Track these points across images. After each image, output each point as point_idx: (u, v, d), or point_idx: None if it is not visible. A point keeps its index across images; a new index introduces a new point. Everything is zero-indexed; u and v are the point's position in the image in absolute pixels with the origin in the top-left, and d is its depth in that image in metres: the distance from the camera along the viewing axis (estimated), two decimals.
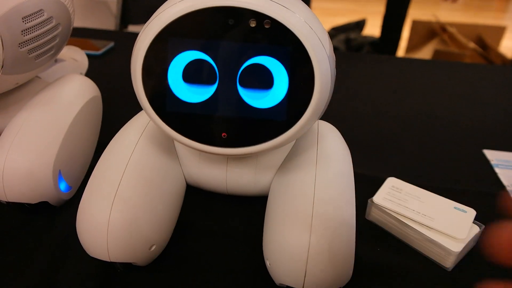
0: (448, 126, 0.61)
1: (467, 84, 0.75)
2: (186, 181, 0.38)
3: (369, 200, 0.41)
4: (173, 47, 0.27)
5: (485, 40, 1.70)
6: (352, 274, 0.31)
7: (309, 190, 0.31)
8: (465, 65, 0.87)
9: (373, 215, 0.41)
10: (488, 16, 3.09)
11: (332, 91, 0.30)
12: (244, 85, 0.28)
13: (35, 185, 0.37)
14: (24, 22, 0.35)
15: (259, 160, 0.36)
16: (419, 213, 0.39)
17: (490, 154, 0.53)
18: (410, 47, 1.85)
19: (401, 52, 1.84)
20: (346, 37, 1.77)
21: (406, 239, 0.39)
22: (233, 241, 0.39)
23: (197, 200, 0.42)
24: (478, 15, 3.06)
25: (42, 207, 0.39)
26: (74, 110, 0.41)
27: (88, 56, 0.64)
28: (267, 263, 0.32)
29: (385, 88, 0.72)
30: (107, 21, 1.26)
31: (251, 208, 0.42)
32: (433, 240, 0.36)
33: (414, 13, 2.00)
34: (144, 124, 0.36)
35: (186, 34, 0.27)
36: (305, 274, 0.29)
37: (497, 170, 0.50)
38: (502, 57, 1.54)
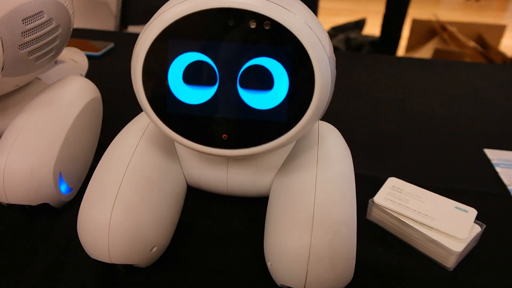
0: (449, 125, 0.61)
1: (467, 83, 0.75)
2: (186, 182, 0.38)
3: (370, 200, 0.41)
4: (174, 49, 0.27)
5: (485, 39, 1.70)
6: (353, 274, 0.31)
7: (310, 191, 0.31)
8: (466, 64, 0.87)
9: (374, 215, 0.41)
10: (488, 15, 3.09)
11: (332, 92, 0.30)
12: (245, 86, 0.28)
13: (36, 187, 0.37)
14: (24, 23, 0.35)
15: (260, 161, 0.36)
16: (420, 213, 0.39)
17: (491, 154, 0.53)
18: (410, 47, 1.85)
19: (401, 51, 1.84)
20: (346, 37, 1.77)
21: (407, 239, 0.39)
22: (234, 242, 0.39)
23: (197, 201, 0.42)
24: (478, 14, 3.06)
25: (42, 208, 0.39)
26: (74, 112, 0.41)
27: (88, 57, 0.64)
28: (268, 264, 0.32)
29: (386, 88, 0.72)
30: (107, 22, 1.26)
31: (252, 209, 0.42)
32: (434, 240, 0.36)
33: (414, 12, 2.00)
34: (145, 126, 0.36)
35: (187, 35, 0.27)
36: (306, 275, 0.29)
37: (498, 169, 0.50)
38: (502, 56, 1.54)
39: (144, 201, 0.32)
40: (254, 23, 0.26)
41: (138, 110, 0.33)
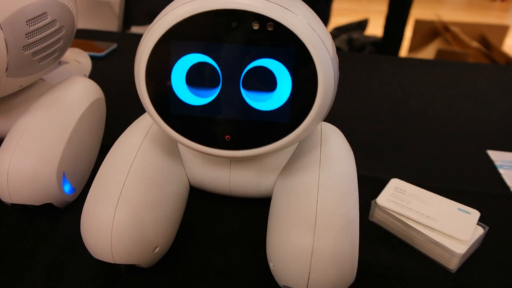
0: (452, 126, 0.61)
1: (470, 84, 0.75)
2: (189, 183, 0.38)
3: (372, 202, 0.41)
4: (177, 50, 0.28)
5: (489, 39, 1.69)
6: (356, 275, 0.31)
7: (313, 192, 0.31)
8: (469, 64, 0.87)
9: (376, 216, 0.41)
10: (491, 15, 3.08)
11: (335, 93, 0.30)
12: (247, 87, 0.28)
13: (40, 187, 0.37)
14: (28, 25, 0.36)
15: (263, 162, 0.36)
16: (423, 214, 0.39)
17: (494, 155, 0.53)
18: (413, 47, 1.84)
19: (403, 52, 1.84)
20: (348, 37, 1.76)
21: (410, 240, 0.39)
22: (235, 242, 0.39)
23: (200, 202, 0.42)
24: (481, 14, 3.05)
25: (46, 208, 0.39)
26: (78, 112, 0.41)
27: (91, 57, 0.64)
28: (271, 265, 0.32)
29: (388, 89, 0.72)
30: (110, 23, 1.26)
31: (253, 210, 0.42)
32: (437, 241, 0.36)
33: (417, 13, 2.00)
34: (148, 126, 0.36)
35: (190, 37, 0.27)
36: (309, 276, 0.29)
37: (501, 171, 0.50)
38: (505, 57, 1.54)
39: (147, 201, 0.32)
40: (257, 25, 0.26)
41: (141, 110, 0.33)
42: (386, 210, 0.40)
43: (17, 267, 0.35)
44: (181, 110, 0.29)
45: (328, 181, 0.32)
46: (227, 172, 0.36)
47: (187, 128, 0.29)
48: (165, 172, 0.35)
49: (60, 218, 0.40)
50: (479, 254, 0.38)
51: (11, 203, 0.38)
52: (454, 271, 0.36)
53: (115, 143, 0.35)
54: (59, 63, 0.53)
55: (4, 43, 0.34)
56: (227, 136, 0.29)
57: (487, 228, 0.38)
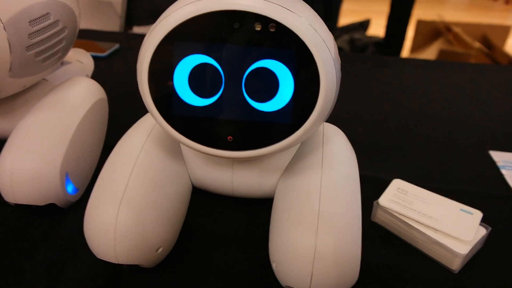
0: (454, 127, 0.61)
1: (472, 84, 0.75)
2: (192, 183, 0.39)
3: (374, 202, 0.41)
4: (179, 51, 0.28)
5: (491, 39, 1.69)
6: (358, 276, 0.31)
7: (315, 192, 0.31)
8: (471, 65, 0.87)
9: (378, 217, 0.41)
10: (493, 16, 3.07)
11: (337, 94, 0.30)
12: (250, 88, 0.28)
13: (43, 187, 0.37)
14: (31, 25, 0.36)
15: (265, 162, 0.36)
16: (425, 215, 0.39)
17: (496, 156, 0.53)
18: (415, 47, 1.84)
19: (405, 52, 1.84)
20: (350, 38, 1.76)
21: (412, 241, 0.39)
22: (238, 243, 0.39)
23: (202, 202, 0.42)
24: (483, 15, 3.05)
25: (49, 209, 0.39)
26: (80, 113, 0.42)
27: (94, 58, 0.64)
28: (273, 265, 0.32)
29: (390, 89, 0.72)
30: (112, 23, 1.26)
31: (257, 211, 0.42)
32: (439, 242, 0.36)
33: (419, 13, 2.00)
34: (150, 127, 0.36)
35: (192, 37, 0.27)
36: (312, 276, 0.29)
37: (503, 171, 0.50)
38: (508, 57, 1.53)
39: (150, 201, 0.32)
40: (259, 25, 0.26)
41: (144, 110, 0.33)
42: (388, 210, 0.40)
43: (20, 267, 0.35)
44: (184, 111, 0.29)
45: (330, 181, 0.32)
46: (229, 172, 0.36)
47: (190, 128, 0.30)
48: (168, 172, 0.35)
49: (63, 218, 0.40)
50: (481, 254, 0.38)
51: (14, 203, 0.38)
52: (456, 272, 0.36)
53: (117, 144, 0.36)
54: (62, 64, 0.53)
55: (7, 43, 0.34)
56: (229, 137, 0.29)
57: (490, 228, 0.38)
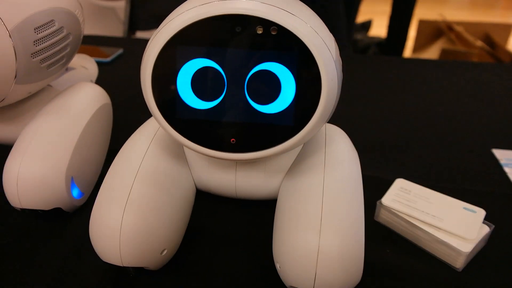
0: (456, 125, 0.61)
1: (475, 83, 0.75)
2: (196, 186, 0.39)
3: (377, 202, 0.41)
4: (182, 55, 0.28)
5: (493, 38, 1.69)
6: (362, 275, 0.31)
7: (318, 193, 0.31)
8: (473, 64, 0.87)
9: (382, 216, 0.41)
10: (496, 14, 3.07)
11: (339, 95, 0.30)
12: (252, 90, 0.29)
13: (49, 192, 0.38)
14: (36, 32, 0.36)
15: (268, 164, 0.37)
16: (428, 214, 0.39)
17: (499, 154, 0.53)
18: (417, 47, 1.84)
19: (408, 52, 1.83)
20: (352, 39, 1.76)
21: (416, 240, 0.39)
22: (243, 244, 0.39)
23: (206, 204, 0.43)
24: (485, 13, 3.04)
25: (55, 213, 0.40)
26: (85, 118, 0.42)
27: (98, 63, 0.64)
28: (277, 266, 0.32)
29: (392, 89, 0.72)
30: (115, 28, 1.27)
31: (260, 212, 0.42)
32: (443, 240, 0.36)
33: (421, 13, 2.00)
34: (154, 131, 0.37)
35: (195, 42, 0.28)
36: (315, 276, 0.29)
37: (506, 169, 0.50)
38: (510, 55, 1.53)
39: (155, 204, 0.32)
40: (261, 29, 0.27)
41: (147, 115, 0.34)
42: (392, 210, 0.40)
43: (26, 271, 0.36)
44: (187, 114, 0.29)
45: (333, 182, 0.32)
46: (233, 174, 0.37)
47: (193, 131, 0.30)
48: (172, 175, 0.35)
49: (68, 222, 0.41)
50: (485, 252, 0.38)
51: (20, 208, 0.38)
52: (460, 270, 0.36)
53: (122, 148, 0.36)
54: (66, 70, 0.54)
55: (13, 50, 0.34)
56: (232, 139, 0.30)
57: (493, 226, 0.38)
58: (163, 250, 0.33)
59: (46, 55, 0.38)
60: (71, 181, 0.39)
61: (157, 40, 0.28)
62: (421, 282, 0.35)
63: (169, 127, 0.30)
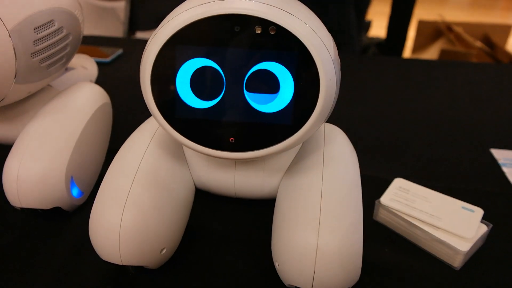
0: (455, 125, 0.61)
1: (474, 83, 0.75)
2: (195, 185, 0.39)
3: (376, 201, 0.41)
4: (181, 55, 0.28)
5: (492, 39, 1.69)
6: (361, 274, 0.31)
7: (317, 192, 0.31)
8: (472, 64, 0.87)
9: (380, 216, 0.41)
10: (495, 15, 3.07)
11: (337, 94, 0.30)
12: (251, 90, 0.29)
13: (48, 191, 0.38)
14: (36, 32, 0.36)
15: (267, 163, 0.37)
16: (427, 213, 0.39)
17: (498, 154, 0.53)
18: (416, 47, 1.84)
19: (407, 52, 1.84)
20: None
21: (414, 239, 0.39)
22: (242, 243, 0.39)
23: (206, 204, 0.43)
24: (485, 14, 3.04)
25: (55, 212, 0.40)
26: (85, 117, 0.42)
27: (97, 63, 0.65)
28: (276, 264, 0.32)
29: (391, 89, 0.73)
30: (115, 28, 1.27)
31: (259, 211, 0.42)
32: (441, 239, 0.37)
33: (420, 13, 2.00)
34: (154, 130, 0.37)
35: (194, 41, 0.28)
36: (314, 274, 0.29)
37: (504, 169, 0.50)
38: (509, 56, 1.53)
39: (154, 203, 0.32)
40: (260, 29, 0.27)
41: (147, 114, 0.34)
42: (390, 209, 0.40)
43: (26, 270, 0.36)
44: (186, 113, 0.30)
45: (332, 181, 0.32)
46: (232, 173, 0.37)
47: (192, 130, 0.30)
48: (171, 174, 0.35)
49: (68, 221, 0.41)
50: (482, 251, 0.38)
51: (20, 207, 0.38)
52: (458, 269, 0.36)
53: (121, 147, 0.36)
54: (66, 69, 0.54)
55: (13, 50, 0.35)
56: (231, 138, 0.30)
57: (491, 225, 0.38)
58: (163, 249, 0.33)
59: (46, 55, 0.39)
60: (71, 181, 0.40)
61: (157, 39, 0.28)
62: (419, 281, 0.36)
63: (168, 126, 0.30)
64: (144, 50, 0.29)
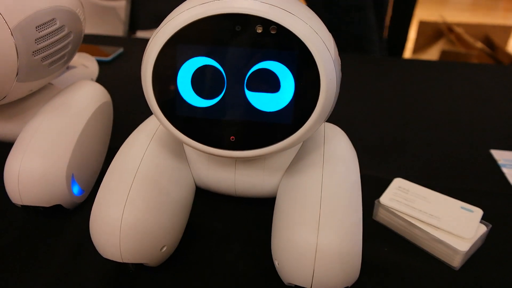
0: (455, 126, 0.61)
1: (474, 84, 0.75)
2: (195, 183, 0.39)
3: (376, 201, 0.41)
4: (182, 54, 0.28)
5: (493, 40, 1.69)
6: (360, 274, 0.31)
7: (316, 191, 0.32)
8: (473, 65, 0.87)
9: (380, 215, 0.41)
10: (496, 16, 3.07)
11: (338, 94, 0.30)
12: (251, 89, 0.29)
13: (49, 189, 0.38)
14: (38, 31, 0.37)
15: (267, 162, 0.37)
16: (426, 213, 0.39)
17: (497, 154, 0.54)
18: (417, 48, 1.84)
19: (408, 53, 1.84)
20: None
21: (413, 239, 0.39)
22: (242, 242, 0.39)
23: (206, 202, 0.43)
24: (486, 15, 3.04)
25: (56, 210, 0.40)
26: (86, 116, 0.42)
27: (98, 62, 0.65)
28: (276, 263, 0.32)
29: (391, 90, 0.73)
30: (116, 27, 1.27)
31: (259, 210, 0.42)
32: (440, 239, 0.37)
33: (421, 14, 2.00)
34: (154, 129, 0.37)
35: (195, 40, 0.28)
36: (313, 273, 0.29)
37: (504, 170, 0.51)
38: (510, 57, 1.53)
39: (154, 201, 0.32)
40: (261, 28, 0.27)
41: (147, 113, 0.34)
42: (390, 209, 0.40)
43: (26, 268, 0.36)
44: (187, 112, 0.30)
45: (331, 180, 0.32)
46: (232, 172, 0.37)
47: (193, 129, 0.30)
48: (172, 173, 0.35)
49: (69, 219, 0.41)
50: (482, 251, 0.38)
51: (21, 205, 0.38)
52: (457, 269, 0.37)
53: (122, 145, 0.36)
54: (67, 68, 0.54)
55: (15, 48, 0.35)
56: (232, 137, 0.30)
57: (490, 226, 0.38)
58: (163, 247, 0.33)
59: (48, 53, 0.39)
60: (71, 178, 0.40)
61: (158, 38, 0.28)
62: (418, 280, 0.36)
63: (169, 125, 0.30)
64: (146, 49, 0.29)
